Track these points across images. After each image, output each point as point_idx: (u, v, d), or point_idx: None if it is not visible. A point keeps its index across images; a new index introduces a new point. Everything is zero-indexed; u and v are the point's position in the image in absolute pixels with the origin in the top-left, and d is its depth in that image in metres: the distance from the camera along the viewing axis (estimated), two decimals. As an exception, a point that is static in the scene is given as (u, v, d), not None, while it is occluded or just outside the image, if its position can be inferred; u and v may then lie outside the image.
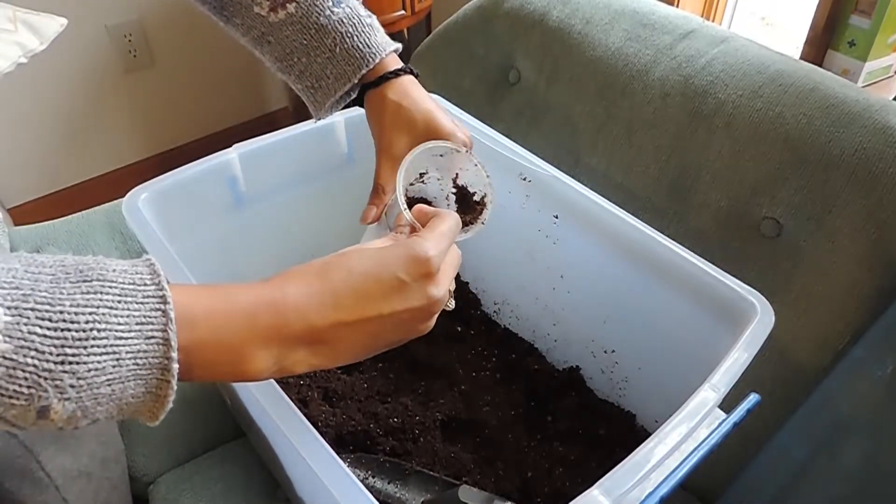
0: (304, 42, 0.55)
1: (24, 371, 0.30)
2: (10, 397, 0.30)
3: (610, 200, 0.74)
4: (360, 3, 0.58)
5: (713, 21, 1.63)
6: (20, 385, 0.30)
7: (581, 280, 0.81)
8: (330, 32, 0.56)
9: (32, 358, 0.30)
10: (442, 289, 0.42)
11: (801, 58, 1.34)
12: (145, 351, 0.33)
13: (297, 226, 0.85)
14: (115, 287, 0.33)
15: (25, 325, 0.30)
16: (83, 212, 0.96)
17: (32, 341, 0.30)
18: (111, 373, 0.32)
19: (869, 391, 0.70)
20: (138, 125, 1.91)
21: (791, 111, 0.75)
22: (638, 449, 0.49)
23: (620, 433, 0.78)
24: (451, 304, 0.46)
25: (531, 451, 0.76)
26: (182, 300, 0.35)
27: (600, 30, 0.92)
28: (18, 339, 0.29)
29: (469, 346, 0.90)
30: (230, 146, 0.76)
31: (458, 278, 0.99)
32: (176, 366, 0.33)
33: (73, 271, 0.32)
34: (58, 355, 0.30)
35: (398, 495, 0.64)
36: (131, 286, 0.33)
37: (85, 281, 0.32)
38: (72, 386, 0.31)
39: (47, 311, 0.30)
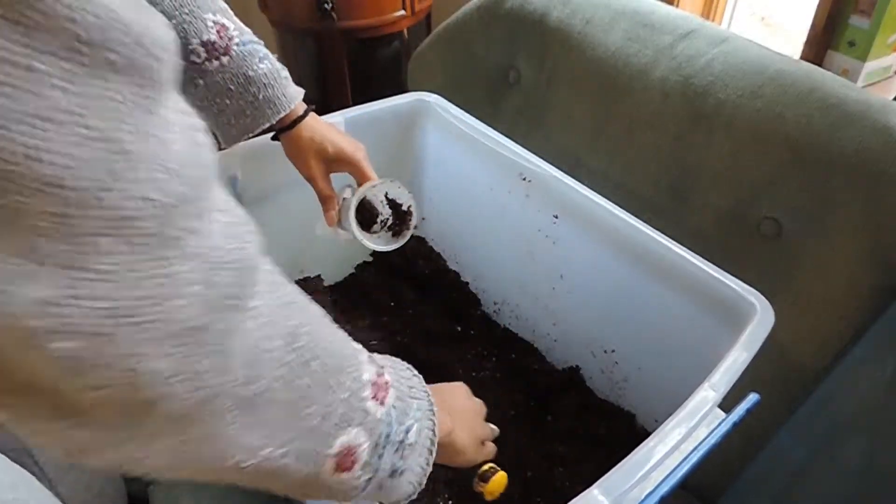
0: (231, 88, 0.66)
1: (400, 398, 0.43)
2: (400, 416, 0.42)
3: (610, 200, 0.74)
4: (275, 57, 0.70)
5: (713, 21, 1.63)
6: (401, 406, 0.42)
7: (581, 280, 0.81)
8: (255, 83, 0.67)
9: (400, 389, 0.43)
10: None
11: (801, 58, 1.34)
12: (422, 399, 0.45)
13: (296, 226, 0.85)
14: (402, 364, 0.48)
15: (391, 370, 0.44)
16: (83, 212, 0.96)
17: (398, 381, 0.44)
18: (419, 411, 0.44)
19: (869, 391, 0.70)
20: (138, 125, 1.91)
21: (791, 111, 0.75)
22: (638, 449, 0.49)
23: (620, 433, 0.78)
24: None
25: (531, 451, 0.76)
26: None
27: (600, 30, 0.92)
28: (393, 377, 0.43)
29: (469, 346, 0.90)
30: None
31: (457, 278, 0.99)
32: (435, 412, 0.46)
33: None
34: (404, 389, 0.44)
35: None
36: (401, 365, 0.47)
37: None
38: (417, 410, 0.44)
39: (392, 367, 0.45)
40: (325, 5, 1.43)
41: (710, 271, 0.65)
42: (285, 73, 0.70)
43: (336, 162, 0.73)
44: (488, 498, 0.59)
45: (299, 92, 0.72)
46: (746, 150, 0.77)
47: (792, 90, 0.76)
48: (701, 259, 0.67)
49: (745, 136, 0.77)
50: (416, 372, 0.47)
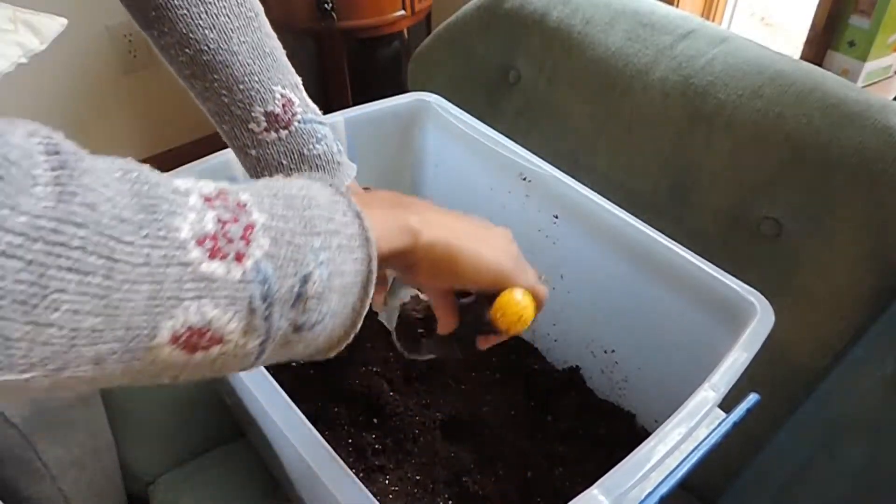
0: (283, 163, 0.64)
1: (283, 238, 0.31)
2: (282, 268, 0.31)
3: (610, 200, 0.74)
4: (335, 139, 0.67)
5: (713, 21, 1.63)
6: (286, 253, 0.31)
7: (581, 280, 0.81)
8: (308, 162, 0.65)
9: (283, 224, 0.32)
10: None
11: (801, 58, 1.34)
12: (349, 224, 0.36)
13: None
14: (296, 181, 0.37)
15: (266, 199, 0.32)
16: (83, 212, 0.96)
17: (279, 211, 0.32)
18: (337, 240, 0.35)
19: (869, 391, 0.70)
20: (138, 125, 1.91)
21: (791, 111, 0.75)
22: (638, 449, 0.49)
23: (620, 433, 0.78)
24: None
25: (531, 451, 0.76)
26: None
27: (600, 30, 0.92)
28: (266, 209, 0.31)
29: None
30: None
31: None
32: (371, 235, 0.37)
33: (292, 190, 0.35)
34: (300, 223, 0.33)
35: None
36: (308, 180, 0.38)
37: (275, 179, 0.36)
38: (321, 248, 0.33)
39: (270, 190, 0.33)
40: (325, 5, 1.43)
41: (710, 271, 0.65)
42: (341, 156, 0.68)
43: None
44: (502, 327, 0.48)
45: (349, 174, 0.69)
46: (746, 150, 0.77)
47: (792, 90, 0.76)
48: (701, 259, 0.67)
49: (745, 136, 0.77)
50: (336, 190, 0.37)
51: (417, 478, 0.71)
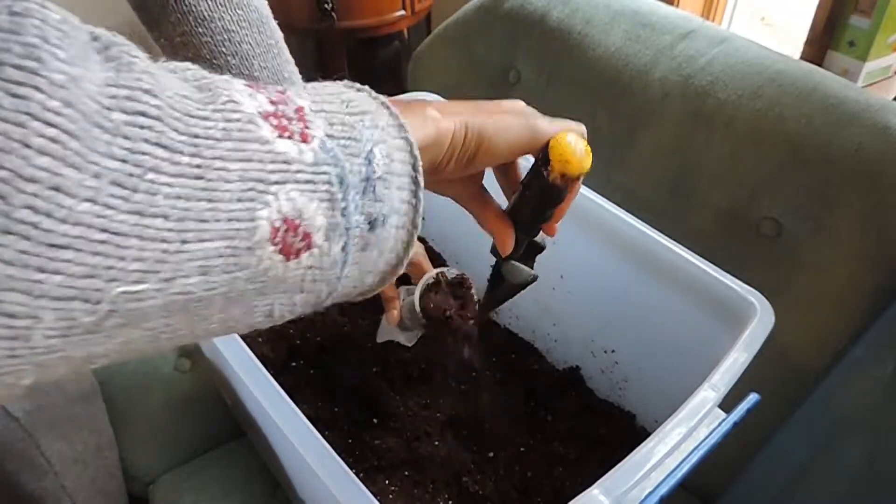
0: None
1: (338, 117, 0.29)
2: (346, 145, 0.29)
3: (610, 200, 0.74)
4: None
5: (713, 21, 1.63)
6: (344, 130, 0.29)
7: (581, 280, 0.81)
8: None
9: (336, 109, 0.30)
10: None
11: (801, 58, 1.34)
12: (389, 114, 0.32)
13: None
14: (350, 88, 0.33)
15: (315, 94, 0.30)
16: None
17: (327, 98, 0.30)
18: (383, 121, 0.32)
19: (869, 391, 0.70)
20: (138, 125, 1.91)
21: (791, 111, 0.75)
22: (638, 449, 0.49)
23: (620, 433, 0.78)
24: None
25: (531, 451, 0.76)
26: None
27: (600, 30, 0.92)
28: (315, 99, 0.29)
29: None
30: None
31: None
32: (411, 132, 0.33)
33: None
34: (346, 107, 0.30)
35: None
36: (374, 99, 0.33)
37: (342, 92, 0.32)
38: (376, 127, 0.30)
39: (317, 91, 0.31)
40: (325, 5, 1.43)
41: (710, 271, 0.65)
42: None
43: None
44: (573, 171, 0.44)
45: None
46: (746, 150, 0.77)
47: (792, 90, 0.76)
48: (701, 259, 0.67)
49: (745, 136, 0.77)
50: (357, 85, 0.34)
51: (417, 478, 0.71)
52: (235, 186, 0.24)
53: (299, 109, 0.28)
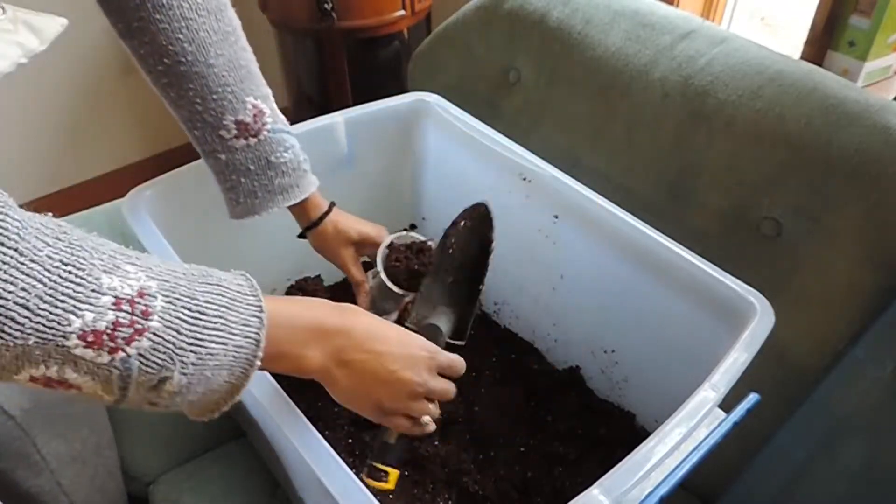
0: (250, 168, 0.67)
1: (164, 347, 0.37)
2: (149, 369, 0.37)
3: (610, 200, 0.74)
4: (302, 149, 0.71)
5: (713, 21, 1.63)
6: (159, 358, 0.37)
7: (581, 280, 0.81)
8: (274, 168, 0.68)
9: (173, 338, 0.37)
10: (436, 386, 0.54)
11: (801, 58, 1.34)
12: (243, 347, 0.41)
13: (296, 225, 0.85)
14: (229, 292, 0.41)
15: (174, 311, 0.38)
16: (83, 212, 0.96)
17: (177, 325, 0.37)
18: (218, 359, 0.40)
19: (869, 391, 0.70)
20: (138, 125, 1.91)
21: (791, 111, 0.75)
22: (638, 449, 0.49)
23: (620, 433, 0.78)
24: (430, 426, 0.56)
25: (531, 451, 0.76)
26: (272, 309, 0.43)
27: (600, 30, 0.92)
28: (168, 322, 0.37)
29: (469, 346, 0.89)
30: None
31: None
32: (258, 363, 0.42)
33: (198, 273, 0.41)
34: (190, 338, 0.38)
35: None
36: (239, 293, 0.42)
37: (209, 283, 0.41)
38: (193, 364, 0.38)
39: (188, 301, 0.38)
40: (325, 5, 1.43)
41: (710, 271, 0.65)
42: (306, 164, 0.72)
43: (361, 245, 0.76)
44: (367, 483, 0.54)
45: (313, 183, 0.73)
46: (746, 150, 0.77)
47: (792, 90, 0.76)
48: (701, 259, 0.67)
49: (745, 136, 0.77)
50: (256, 310, 0.42)
51: (417, 478, 0.71)
52: (8, 358, 0.34)
53: (140, 331, 0.36)
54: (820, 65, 1.36)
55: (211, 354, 0.39)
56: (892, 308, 0.69)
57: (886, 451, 0.68)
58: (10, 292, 0.32)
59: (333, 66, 1.54)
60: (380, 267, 0.74)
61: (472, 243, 0.66)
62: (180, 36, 0.60)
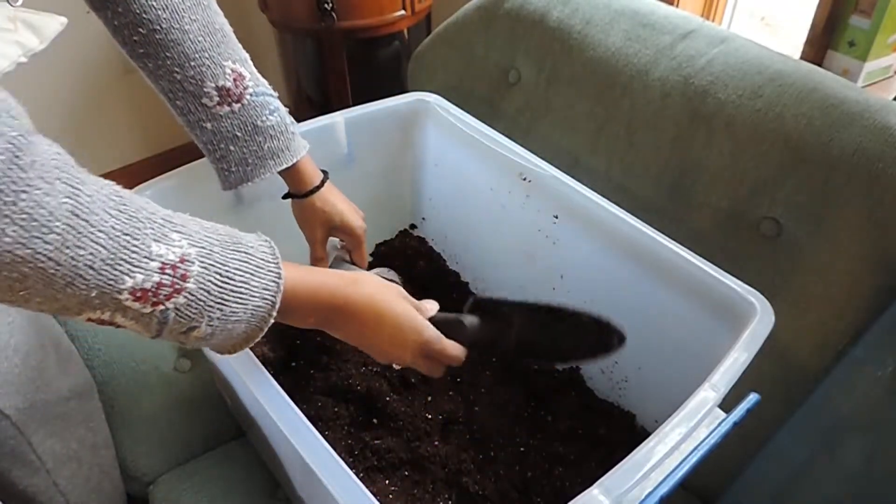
0: (238, 135, 0.68)
1: (196, 304, 0.45)
2: (182, 319, 0.44)
3: (610, 200, 0.74)
4: (286, 111, 0.71)
5: (713, 21, 1.63)
6: (191, 312, 0.45)
7: (581, 280, 0.81)
8: (262, 133, 0.69)
9: (205, 297, 0.45)
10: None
11: (801, 58, 1.34)
12: (260, 307, 0.48)
13: (296, 226, 0.85)
14: (255, 259, 0.48)
15: (207, 276, 0.45)
16: (83, 212, 0.96)
17: (209, 287, 0.45)
18: (239, 316, 0.47)
19: (869, 391, 0.70)
20: (138, 125, 1.91)
21: (791, 111, 0.75)
22: (638, 449, 0.49)
23: (620, 433, 0.78)
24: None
25: (531, 451, 0.76)
26: (289, 276, 0.51)
27: (600, 30, 0.92)
28: (201, 284, 0.44)
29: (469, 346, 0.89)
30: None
31: (457, 278, 0.99)
32: (272, 320, 0.50)
33: (231, 241, 0.48)
34: (218, 299, 0.46)
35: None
36: (263, 260, 0.49)
37: (238, 251, 0.48)
38: (218, 318, 0.46)
39: (220, 268, 0.46)
40: (325, 5, 1.43)
41: (710, 271, 0.65)
42: (294, 127, 0.72)
43: (338, 230, 0.78)
44: None
45: (303, 146, 0.73)
46: (746, 149, 0.77)
47: (792, 90, 0.76)
48: (701, 259, 0.67)
49: (745, 136, 0.77)
50: (275, 276, 0.49)
51: (417, 478, 0.71)
52: (74, 302, 0.41)
53: (177, 291, 0.43)
54: (820, 65, 1.36)
55: (233, 312, 0.47)
56: (892, 308, 0.69)
57: (886, 451, 0.68)
58: (80, 255, 0.38)
59: (333, 66, 1.54)
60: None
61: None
62: (154, 3, 0.60)
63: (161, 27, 0.60)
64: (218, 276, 0.45)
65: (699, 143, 0.81)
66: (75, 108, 1.79)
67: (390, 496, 0.69)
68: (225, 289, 0.46)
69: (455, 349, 0.60)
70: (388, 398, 0.76)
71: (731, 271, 0.65)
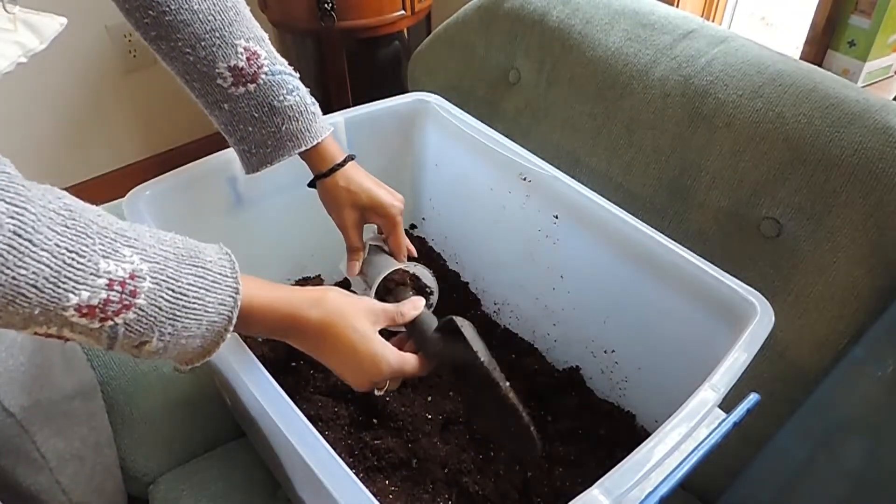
0: (255, 116, 0.66)
1: (146, 320, 0.44)
2: (132, 334, 0.44)
3: (610, 200, 0.74)
4: (307, 91, 0.69)
5: (713, 21, 1.63)
6: (141, 327, 0.44)
7: (581, 280, 0.81)
8: (280, 114, 0.67)
9: (155, 313, 0.44)
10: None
11: (801, 58, 1.34)
12: (216, 322, 0.48)
13: (296, 226, 0.85)
14: (211, 274, 0.48)
15: (158, 292, 0.44)
16: (83, 212, 0.96)
17: (160, 303, 0.44)
18: (192, 331, 0.47)
19: (869, 391, 0.70)
20: (138, 125, 1.91)
21: (791, 111, 0.75)
22: (638, 449, 0.49)
23: (620, 433, 0.78)
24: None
25: (531, 451, 0.76)
26: (247, 291, 0.50)
27: (600, 30, 0.92)
28: (152, 300, 0.44)
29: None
30: (230, 146, 0.76)
31: (457, 278, 0.99)
32: (229, 336, 0.50)
33: (188, 255, 0.47)
34: (170, 314, 0.45)
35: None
36: (220, 275, 0.48)
37: (195, 265, 0.47)
38: (170, 334, 0.46)
39: (172, 283, 0.45)
40: (325, 5, 1.43)
41: (711, 271, 0.65)
42: (315, 107, 0.70)
43: (370, 212, 0.72)
44: None
45: (326, 128, 0.71)
46: (746, 149, 0.77)
47: (792, 90, 0.76)
48: (701, 259, 0.67)
49: (745, 136, 0.77)
50: (233, 291, 0.49)
51: (417, 478, 0.71)
52: (18, 318, 0.40)
53: (127, 306, 0.43)
54: (820, 65, 1.36)
55: (186, 327, 0.46)
56: (892, 308, 0.69)
57: (886, 451, 0.68)
58: (22, 275, 0.38)
59: (333, 66, 1.54)
60: (373, 291, 0.71)
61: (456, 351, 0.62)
62: None
63: (170, 8, 0.60)
64: (171, 292, 0.45)
65: (699, 143, 0.81)
66: (75, 108, 1.79)
67: (390, 496, 0.69)
68: (177, 304, 0.45)
69: (414, 368, 0.59)
70: (387, 398, 0.76)
71: (731, 271, 0.65)
